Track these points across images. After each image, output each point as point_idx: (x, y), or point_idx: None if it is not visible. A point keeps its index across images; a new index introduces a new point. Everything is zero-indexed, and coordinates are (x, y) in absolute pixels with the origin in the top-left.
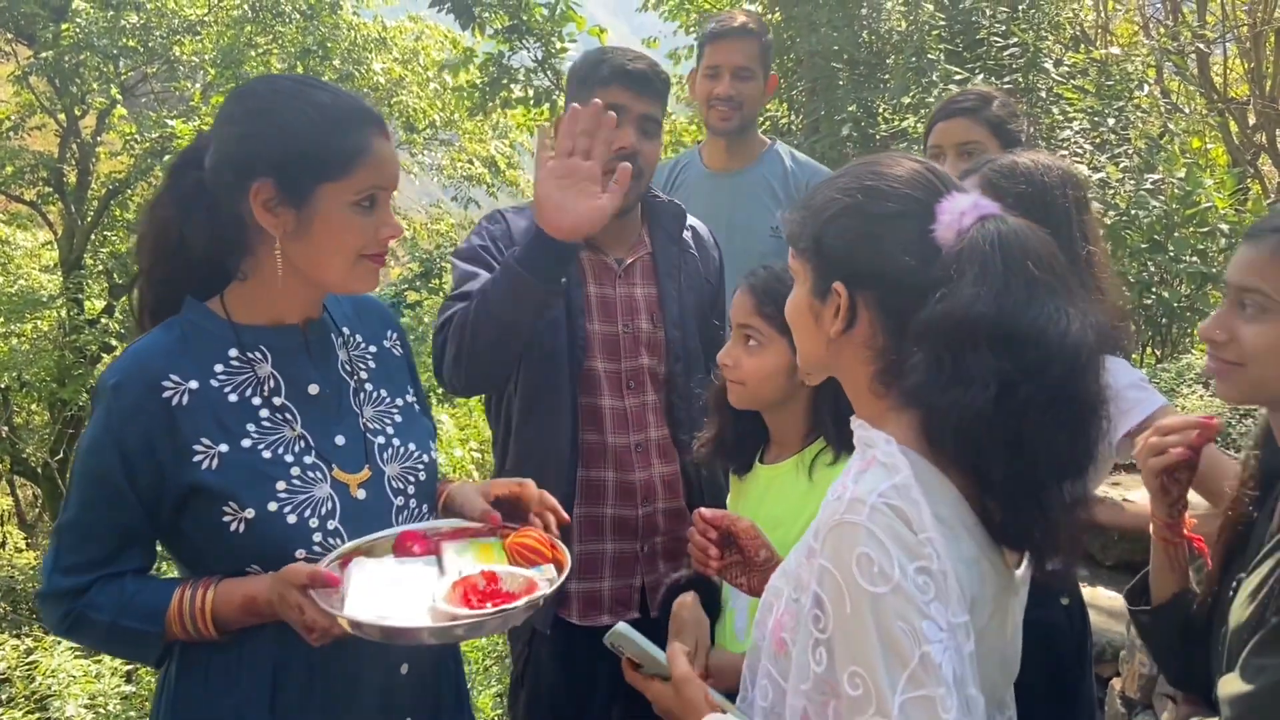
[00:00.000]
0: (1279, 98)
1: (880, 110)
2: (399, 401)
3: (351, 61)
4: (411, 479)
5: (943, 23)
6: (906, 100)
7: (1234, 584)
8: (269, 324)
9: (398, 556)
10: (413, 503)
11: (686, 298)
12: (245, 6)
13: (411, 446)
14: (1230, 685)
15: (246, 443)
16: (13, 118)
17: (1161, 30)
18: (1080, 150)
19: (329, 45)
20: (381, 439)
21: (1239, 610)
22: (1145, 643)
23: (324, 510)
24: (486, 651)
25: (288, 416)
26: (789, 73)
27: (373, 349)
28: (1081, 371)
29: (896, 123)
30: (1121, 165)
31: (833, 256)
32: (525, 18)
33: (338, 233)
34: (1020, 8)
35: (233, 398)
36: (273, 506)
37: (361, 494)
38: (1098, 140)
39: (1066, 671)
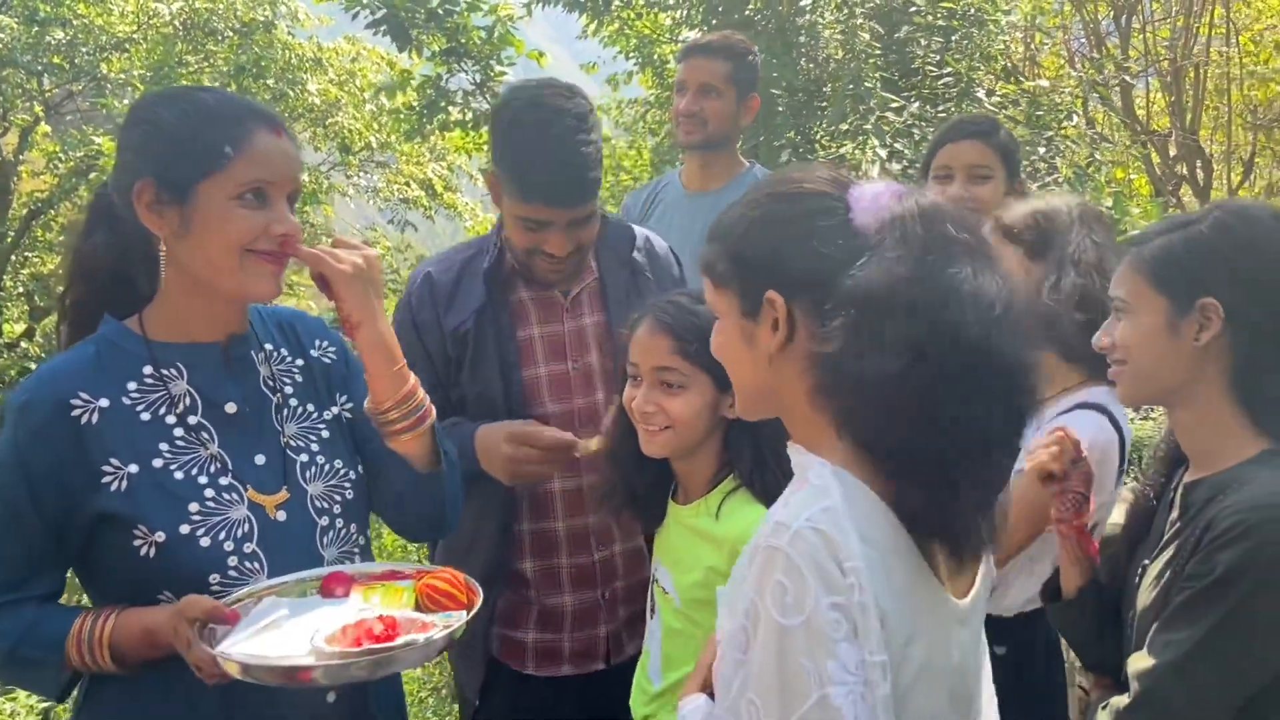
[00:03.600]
0: (1199, 130)
1: (819, 137)
2: (326, 416)
3: (286, 82)
4: (337, 498)
5: (879, 52)
6: (844, 127)
7: (1139, 570)
8: (187, 341)
9: (324, 598)
10: (339, 523)
11: None
12: (176, 24)
13: (338, 464)
14: (1139, 662)
15: (158, 463)
16: None
17: (1087, 63)
18: None
19: (263, 64)
20: (305, 457)
21: (1145, 594)
22: (1061, 634)
23: (240, 533)
24: (422, 683)
25: (204, 436)
26: None
27: (299, 362)
28: (1001, 333)
29: (834, 149)
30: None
31: (758, 268)
32: (463, 40)
33: (218, 227)
34: (953, 38)
35: (145, 416)
36: (185, 529)
37: (281, 515)
38: (1028, 169)
39: None
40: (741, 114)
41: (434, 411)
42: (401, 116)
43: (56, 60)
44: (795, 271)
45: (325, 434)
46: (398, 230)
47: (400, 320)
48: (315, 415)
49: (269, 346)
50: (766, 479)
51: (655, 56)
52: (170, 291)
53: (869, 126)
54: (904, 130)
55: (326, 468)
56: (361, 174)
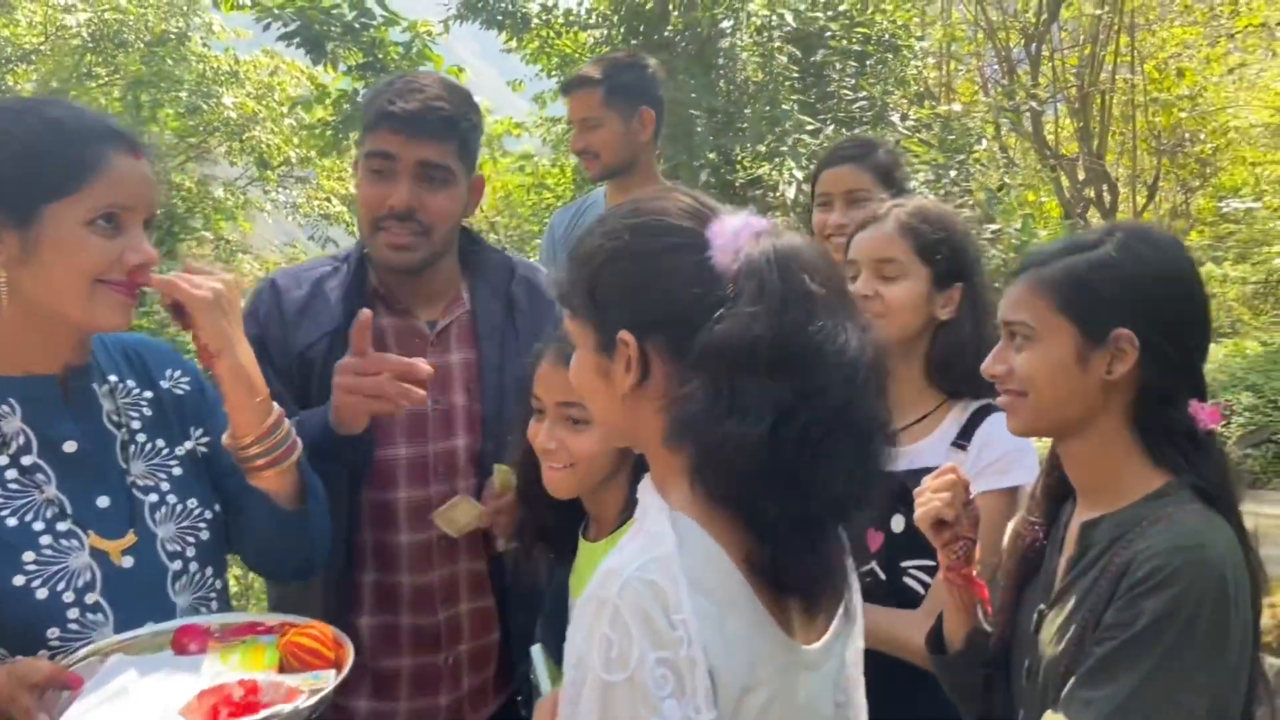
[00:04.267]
0: (1105, 155)
1: (739, 157)
2: (178, 451)
3: (200, 95)
4: (191, 540)
5: (796, 75)
6: (762, 148)
7: (1035, 614)
8: (21, 374)
9: (176, 654)
10: (193, 566)
11: (511, 364)
12: (84, 34)
13: (191, 503)
14: None
15: None
16: None
17: (998, 89)
18: None
19: (176, 77)
20: (154, 497)
21: (1050, 644)
22: (945, 685)
23: (81, 582)
24: None
25: (39, 478)
26: None
27: (147, 394)
28: (861, 393)
29: (753, 170)
30: (963, 216)
31: (611, 306)
32: (380, 55)
33: (68, 255)
34: (868, 63)
35: None
36: (19, 580)
37: (128, 561)
38: (941, 192)
39: None
40: (635, 130)
41: (300, 445)
42: (318, 131)
43: None
44: (649, 313)
45: (177, 471)
46: (319, 246)
47: (246, 336)
48: (166, 451)
49: (113, 378)
50: None
51: None
52: (4, 320)
53: (785, 149)
54: (820, 153)
55: (179, 508)
56: (281, 189)
